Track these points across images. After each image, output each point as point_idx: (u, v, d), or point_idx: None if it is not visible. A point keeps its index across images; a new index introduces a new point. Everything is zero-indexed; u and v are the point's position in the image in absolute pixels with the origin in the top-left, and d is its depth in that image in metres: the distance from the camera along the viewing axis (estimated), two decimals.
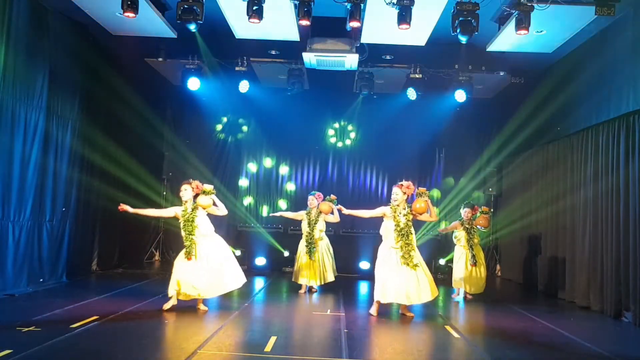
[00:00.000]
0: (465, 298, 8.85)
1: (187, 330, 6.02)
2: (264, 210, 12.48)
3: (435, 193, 11.72)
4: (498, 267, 12.26)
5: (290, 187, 12.59)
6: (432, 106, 11.50)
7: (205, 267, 6.75)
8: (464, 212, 8.91)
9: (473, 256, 8.73)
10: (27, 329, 5.42)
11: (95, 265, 9.99)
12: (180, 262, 6.84)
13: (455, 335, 6.17)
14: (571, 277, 8.81)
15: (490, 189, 12.29)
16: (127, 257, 11.05)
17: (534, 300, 9.19)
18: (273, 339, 5.49)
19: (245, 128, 12.59)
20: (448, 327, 6.52)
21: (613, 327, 7.16)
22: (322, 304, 8.01)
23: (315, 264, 8.67)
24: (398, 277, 6.85)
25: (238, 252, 11.56)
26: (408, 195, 7.09)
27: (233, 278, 6.92)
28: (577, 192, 8.77)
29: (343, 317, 6.89)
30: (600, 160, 8.01)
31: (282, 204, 12.39)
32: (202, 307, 6.94)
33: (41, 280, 8.05)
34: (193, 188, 6.96)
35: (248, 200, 12.63)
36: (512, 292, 10.29)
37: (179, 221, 6.93)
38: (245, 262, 11.46)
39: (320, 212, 8.73)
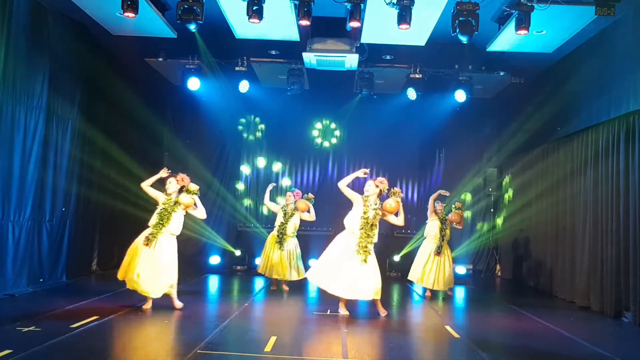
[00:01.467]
0: (425, 295, 8.81)
1: (187, 330, 6.01)
2: (265, 210, 12.49)
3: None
4: (498, 267, 12.26)
5: (286, 182, 12.62)
6: (432, 106, 11.51)
7: (160, 266, 6.66)
8: (438, 204, 8.92)
9: (439, 246, 8.65)
10: (27, 329, 5.42)
11: (95, 265, 9.99)
12: (142, 249, 6.68)
13: (455, 335, 6.17)
14: (571, 277, 8.81)
15: (490, 189, 12.29)
16: None
17: (534, 300, 9.18)
18: (273, 339, 5.48)
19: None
20: (448, 328, 6.51)
21: (613, 327, 7.16)
22: (322, 304, 8.00)
23: (283, 259, 8.70)
24: (345, 267, 6.74)
25: (238, 252, 11.58)
26: (381, 191, 7.03)
27: (163, 286, 6.75)
28: (577, 192, 8.77)
29: (343, 317, 6.88)
30: (600, 161, 8.00)
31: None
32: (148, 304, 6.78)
33: (41, 280, 8.04)
34: (178, 181, 6.95)
35: (248, 200, 12.63)
36: (512, 292, 10.29)
37: (157, 206, 6.90)
38: (245, 262, 11.48)
39: (296, 209, 8.76)
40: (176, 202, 6.88)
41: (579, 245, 8.60)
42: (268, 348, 5.18)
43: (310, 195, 8.99)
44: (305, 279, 8.96)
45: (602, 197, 7.89)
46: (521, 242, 11.00)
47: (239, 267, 11.39)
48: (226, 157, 12.66)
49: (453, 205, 8.99)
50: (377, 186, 7.01)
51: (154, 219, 6.84)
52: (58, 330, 5.40)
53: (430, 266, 8.60)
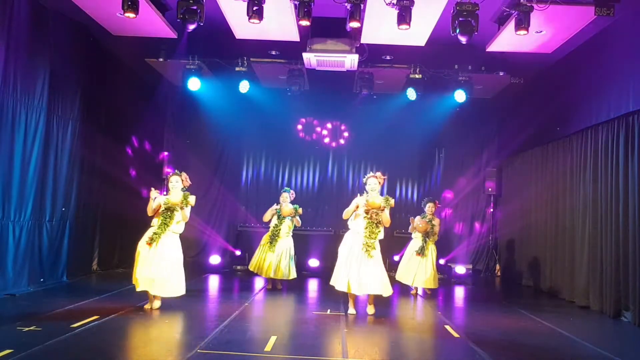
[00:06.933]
0: (415, 294, 8.94)
1: (187, 330, 6.03)
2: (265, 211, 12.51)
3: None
4: (497, 267, 12.27)
5: (290, 186, 12.64)
6: (432, 106, 11.52)
7: (164, 264, 6.66)
8: (428, 206, 8.97)
9: (422, 247, 8.73)
10: (27, 329, 5.43)
11: (95, 265, 10.00)
12: (144, 251, 6.71)
13: (455, 335, 6.18)
14: (571, 277, 8.82)
15: (490, 189, 12.30)
16: (127, 257, 11.03)
17: (534, 300, 9.19)
18: (273, 339, 5.50)
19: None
20: (448, 327, 6.52)
21: (613, 327, 7.17)
22: (322, 304, 8.02)
23: (274, 259, 8.74)
24: (357, 265, 6.79)
25: (238, 252, 11.59)
26: (381, 185, 7.07)
27: (176, 286, 6.79)
28: (576, 192, 8.78)
29: (343, 317, 6.90)
30: (600, 160, 8.01)
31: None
32: (155, 304, 6.77)
33: (41, 279, 8.05)
34: (183, 181, 6.95)
35: (248, 200, 12.64)
36: (512, 292, 10.29)
37: (160, 209, 6.82)
38: (246, 262, 11.48)
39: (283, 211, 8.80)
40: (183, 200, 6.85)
41: (578, 245, 8.61)
42: (268, 348, 5.19)
43: (300, 210, 8.95)
44: (295, 279, 8.98)
45: (602, 197, 7.90)
46: (521, 242, 11.01)
47: (239, 267, 11.41)
48: (226, 157, 12.66)
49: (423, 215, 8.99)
50: (380, 182, 7.02)
51: (156, 220, 6.84)
52: (59, 330, 5.41)
53: (412, 264, 8.71)
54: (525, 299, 9.42)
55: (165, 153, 11.82)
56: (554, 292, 9.35)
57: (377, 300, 7.09)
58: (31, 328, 5.46)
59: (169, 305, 6.91)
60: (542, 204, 10.09)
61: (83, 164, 9.15)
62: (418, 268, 8.68)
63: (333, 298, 8.26)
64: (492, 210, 12.54)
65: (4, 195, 7.23)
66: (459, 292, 9.32)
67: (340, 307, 7.48)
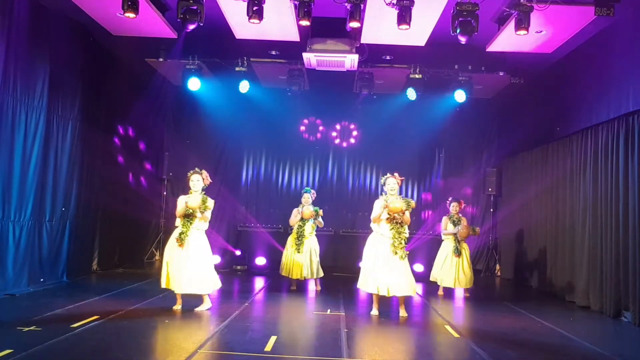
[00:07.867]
0: (438, 294, 9.04)
1: (187, 330, 6.02)
2: (265, 210, 12.54)
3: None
4: (497, 266, 12.27)
5: (291, 186, 12.64)
6: (432, 106, 11.51)
7: (191, 263, 6.72)
8: (452, 206, 9.03)
9: (456, 247, 8.82)
10: (27, 329, 5.43)
11: (95, 265, 10.00)
12: (171, 252, 6.78)
13: (455, 335, 6.18)
14: (571, 277, 8.82)
15: (490, 189, 12.30)
16: (127, 256, 11.06)
17: (534, 300, 9.19)
18: (273, 339, 5.50)
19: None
20: (448, 327, 6.52)
21: (613, 327, 7.18)
22: (322, 304, 8.02)
23: (305, 259, 8.79)
24: (385, 267, 6.81)
25: (238, 252, 11.59)
26: (399, 186, 7.14)
27: (210, 281, 6.91)
28: (576, 192, 8.79)
29: (343, 317, 6.89)
30: (600, 161, 8.01)
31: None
32: (178, 307, 6.85)
33: (41, 280, 8.05)
34: (204, 179, 6.99)
35: (248, 200, 12.63)
36: (512, 292, 10.30)
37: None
38: (246, 262, 11.49)
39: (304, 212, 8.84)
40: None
41: (578, 245, 8.61)
42: (268, 348, 5.19)
43: (320, 211, 9.03)
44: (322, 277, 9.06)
45: (602, 197, 7.90)
46: (521, 242, 11.01)
47: (239, 267, 11.40)
48: (226, 157, 12.65)
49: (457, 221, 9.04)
50: (398, 183, 7.06)
51: (179, 220, 6.88)
52: (59, 330, 5.41)
53: (449, 266, 8.79)
54: (525, 298, 9.41)
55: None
56: (554, 292, 9.35)
57: (387, 300, 7.11)
58: (31, 328, 5.47)
59: (168, 305, 6.91)
60: (542, 204, 10.09)
61: (83, 164, 9.15)
62: (456, 270, 8.76)
63: (333, 298, 8.26)
64: (492, 210, 12.54)
65: (4, 195, 7.23)
66: (459, 292, 9.31)
67: (340, 307, 7.49)
